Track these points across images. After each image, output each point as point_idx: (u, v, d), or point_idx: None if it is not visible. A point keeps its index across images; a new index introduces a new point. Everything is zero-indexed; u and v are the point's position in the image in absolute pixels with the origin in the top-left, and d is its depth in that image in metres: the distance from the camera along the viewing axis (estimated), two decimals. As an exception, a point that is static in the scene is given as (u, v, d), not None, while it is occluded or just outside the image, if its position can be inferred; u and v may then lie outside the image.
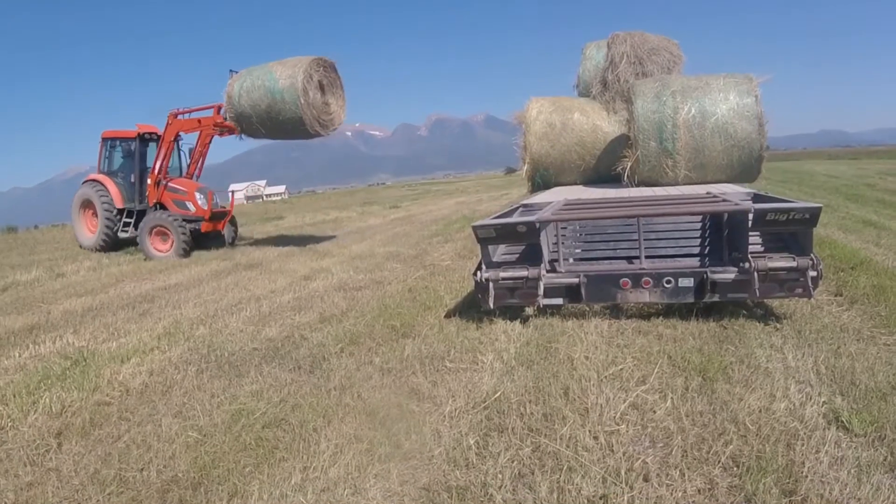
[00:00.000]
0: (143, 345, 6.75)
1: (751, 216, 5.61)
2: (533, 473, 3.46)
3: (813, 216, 5.49)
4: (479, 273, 6.38)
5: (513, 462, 3.61)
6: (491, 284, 6.29)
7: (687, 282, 5.98)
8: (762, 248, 6.14)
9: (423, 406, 4.53)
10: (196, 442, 4.21)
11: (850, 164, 45.04)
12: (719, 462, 3.41)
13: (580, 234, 7.04)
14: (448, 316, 7.04)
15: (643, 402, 4.26)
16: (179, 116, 16.32)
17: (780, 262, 5.68)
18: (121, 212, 17.02)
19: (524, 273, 6.23)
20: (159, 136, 16.60)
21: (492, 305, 6.37)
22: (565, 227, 6.95)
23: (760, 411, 4.00)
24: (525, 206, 8.27)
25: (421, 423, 4.21)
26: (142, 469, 3.89)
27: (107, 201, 16.93)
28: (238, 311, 8.26)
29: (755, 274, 5.65)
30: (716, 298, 6.01)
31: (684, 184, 10.00)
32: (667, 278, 6.02)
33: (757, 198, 7.09)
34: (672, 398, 4.26)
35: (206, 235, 16.28)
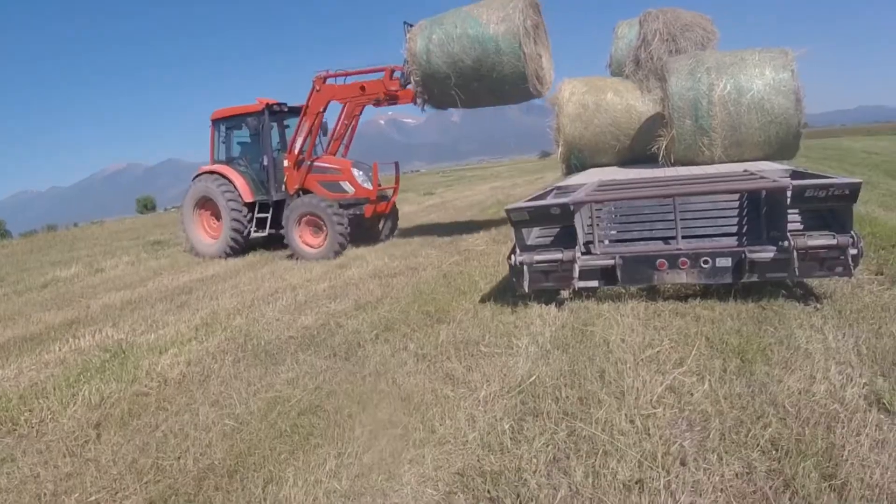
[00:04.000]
0: (181, 336, 6.87)
1: (789, 193, 5.45)
2: (568, 458, 3.43)
3: (853, 192, 5.34)
4: (513, 257, 6.34)
5: (547, 446, 3.59)
6: (525, 268, 6.25)
7: (725, 262, 5.85)
8: (801, 227, 5.97)
9: (457, 391, 4.52)
10: (232, 430, 4.28)
11: (891, 140, 43.82)
12: (758, 445, 3.35)
13: (615, 216, 6.95)
14: (483, 301, 7.01)
15: (680, 385, 4.20)
16: (329, 81, 12.72)
17: (820, 240, 5.51)
18: (251, 207, 13.47)
19: (559, 256, 6.17)
20: (291, 109, 13.73)
21: (527, 289, 6.34)
22: (600, 209, 6.85)
23: (800, 393, 3.91)
24: (559, 188, 8.19)
25: (455, 408, 4.21)
26: (178, 457, 3.96)
27: (232, 197, 13.20)
28: (274, 300, 8.35)
29: (794, 253, 5.48)
30: (754, 278, 5.86)
31: (721, 162, 9.82)
32: (704, 258, 5.89)
33: (795, 174, 6.91)
34: (710, 381, 4.20)
35: (371, 221, 13.21)
